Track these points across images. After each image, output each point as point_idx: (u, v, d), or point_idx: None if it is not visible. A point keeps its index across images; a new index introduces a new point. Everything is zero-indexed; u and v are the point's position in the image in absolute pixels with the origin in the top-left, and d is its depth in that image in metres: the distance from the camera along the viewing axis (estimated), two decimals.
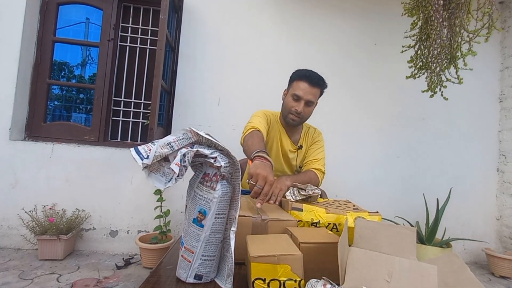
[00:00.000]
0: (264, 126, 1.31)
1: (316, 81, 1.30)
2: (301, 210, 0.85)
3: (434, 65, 1.68)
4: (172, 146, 0.57)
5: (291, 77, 1.39)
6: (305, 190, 0.94)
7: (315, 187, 0.95)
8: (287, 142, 1.44)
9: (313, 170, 1.36)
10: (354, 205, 0.99)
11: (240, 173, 0.65)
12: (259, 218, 0.76)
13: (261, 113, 1.40)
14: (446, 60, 1.67)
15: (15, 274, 1.69)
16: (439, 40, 1.58)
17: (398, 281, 0.51)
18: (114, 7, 2.31)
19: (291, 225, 0.78)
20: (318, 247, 0.64)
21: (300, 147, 1.44)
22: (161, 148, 0.56)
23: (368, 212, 0.88)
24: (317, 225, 0.83)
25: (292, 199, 0.92)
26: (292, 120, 1.35)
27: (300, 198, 0.93)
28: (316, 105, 1.40)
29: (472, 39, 1.56)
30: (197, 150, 0.59)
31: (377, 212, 0.90)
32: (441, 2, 1.51)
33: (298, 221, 0.83)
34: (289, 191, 0.97)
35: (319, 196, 0.98)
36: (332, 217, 0.84)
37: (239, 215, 0.75)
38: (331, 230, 0.82)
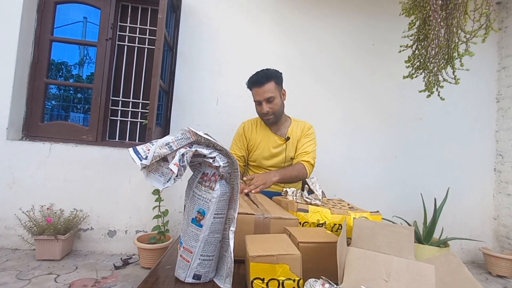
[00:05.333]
0: (239, 151, 1.57)
1: (262, 80, 1.42)
2: (307, 211, 0.86)
3: (432, 65, 1.68)
4: (171, 146, 0.57)
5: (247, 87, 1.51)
6: (309, 199, 0.95)
7: (318, 199, 0.96)
8: (273, 138, 1.55)
9: (302, 162, 1.48)
10: (348, 204, 1.01)
11: (239, 173, 0.65)
12: (262, 216, 0.77)
13: (237, 135, 1.62)
14: (443, 60, 1.67)
15: (12, 275, 1.68)
16: (436, 40, 1.58)
17: (396, 280, 0.51)
18: (112, 6, 2.30)
19: (292, 224, 0.79)
20: (317, 246, 0.64)
21: (288, 138, 1.53)
22: (160, 148, 0.56)
23: (370, 212, 0.89)
24: (323, 226, 0.84)
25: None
26: (267, 120, 1.51)
27: (301, 202, 0.93)
28: (283, 93, 1.52)
29: (469, 40, 1.56)
30: (196, 150, 0.59)
31: (378, 211, 0.91)
32: (439, 2, 1.51)
33: (305, 222, 0.84)
34: (292, 193, 0.99)
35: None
36: (337, 218, 0.85)
37: (242, 213, 0.76)
38: (336, 231, 0.83)
